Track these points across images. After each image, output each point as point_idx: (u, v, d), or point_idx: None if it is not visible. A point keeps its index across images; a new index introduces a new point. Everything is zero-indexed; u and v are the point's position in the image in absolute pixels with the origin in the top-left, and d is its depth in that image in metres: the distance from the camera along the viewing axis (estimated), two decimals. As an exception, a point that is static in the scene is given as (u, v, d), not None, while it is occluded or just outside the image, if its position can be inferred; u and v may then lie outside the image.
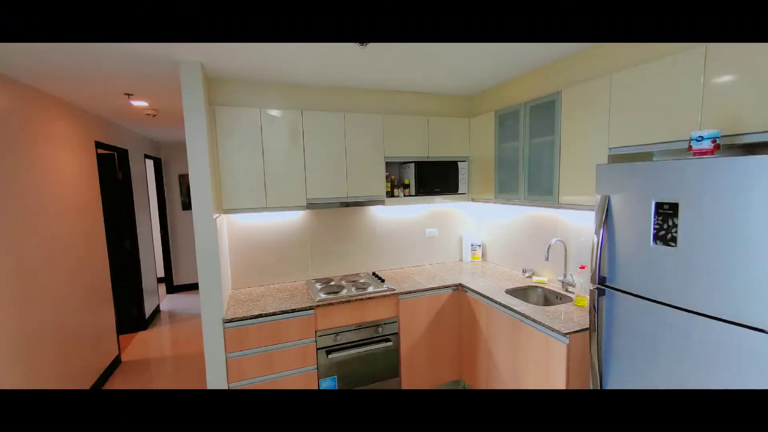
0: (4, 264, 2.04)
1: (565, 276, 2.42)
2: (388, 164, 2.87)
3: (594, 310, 1.61)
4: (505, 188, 2.62)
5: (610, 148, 1.80)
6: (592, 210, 1.82)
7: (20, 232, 2.20)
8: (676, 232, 1.30)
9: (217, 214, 2.25)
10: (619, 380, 1.57)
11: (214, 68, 2.27)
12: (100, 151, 3.58)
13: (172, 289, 5.70)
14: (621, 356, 1.54)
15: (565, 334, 1.77)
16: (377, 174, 2.72)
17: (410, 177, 2.86)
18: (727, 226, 1.16)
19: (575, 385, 1.80)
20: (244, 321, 2.13)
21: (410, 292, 2.53)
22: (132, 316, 4.21)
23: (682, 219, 1.27)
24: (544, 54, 2.24)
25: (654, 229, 1.37)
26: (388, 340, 2.50)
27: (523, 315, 2.02)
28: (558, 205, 2.15)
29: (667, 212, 1.32)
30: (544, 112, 2.22)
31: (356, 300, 2.39)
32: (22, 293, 2.17)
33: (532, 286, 2.56)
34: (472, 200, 3.02)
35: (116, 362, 3.47)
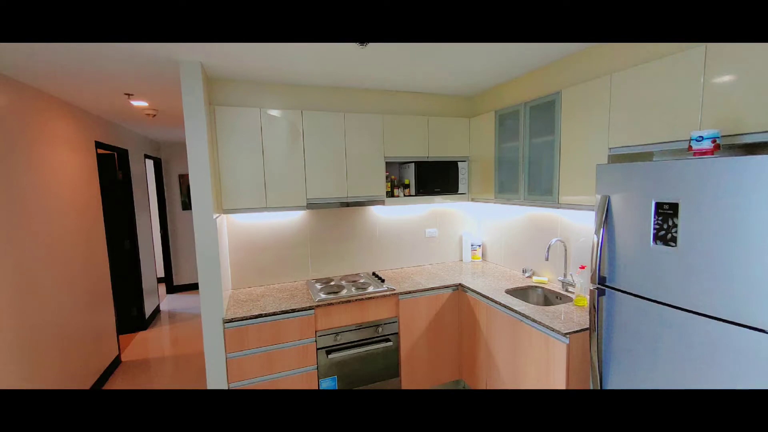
0: (4, 264, 2.04)
1: (565, 276, 2.42)
2: (388, 164, 2.87)
3: (594, 310, 1.61)
4: (505, 188, 2.62)
5: (610, 148, 1.80)
6: (592, 210, 1.82)
7: (20, 232, 2.20)
8: (676, 232, 1.30)
9: (217, 214, 2.25)
10: (619, 380, 1.57)
11: (214, 68, 2.27)
12: (100, 151, 3.58)
13: (172, 289, 5.70)
14: (621, 356, 1.54)
15: (565, 334, 1.77)
16: (377, 174, 2.72)
17: (410, 177, 2.86)
18: (727, 226, 1.16)
19: (575, 385, 1.80)
20: (244, 321, 2.13)
21: (410, 292, 2.53)
22: (132, 316, 4.21)
23: (682, 219, 1.27)
24: (544, 54, 2.23)
25: (654, 229, 1.37)
26: (388, 340, 2.50)
27: (523, 315, 2.02)
28: (558, 205, 2.15)
29: (667, 212, 1.32)
30: (544, 112, 2.22)
31: (356, 300, 2.39)
32: (22, 293, 2.17)
33: (532, 286, 2.56)
34: (472, 200, 3.02)
35: (116, 362, 3.47)
